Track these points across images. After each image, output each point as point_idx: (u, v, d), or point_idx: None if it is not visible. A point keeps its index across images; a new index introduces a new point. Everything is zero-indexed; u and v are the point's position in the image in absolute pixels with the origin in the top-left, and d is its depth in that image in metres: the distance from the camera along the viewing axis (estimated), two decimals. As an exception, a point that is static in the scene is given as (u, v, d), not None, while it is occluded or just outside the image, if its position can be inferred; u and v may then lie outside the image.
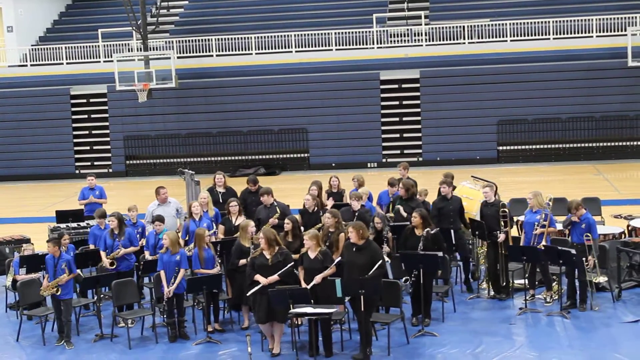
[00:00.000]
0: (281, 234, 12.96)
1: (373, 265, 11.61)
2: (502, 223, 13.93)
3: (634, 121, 31.36)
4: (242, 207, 14.95)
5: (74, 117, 34.68)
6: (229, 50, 34.01)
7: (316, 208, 14.61)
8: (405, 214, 14.30)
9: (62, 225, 17.41)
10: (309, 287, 11.80)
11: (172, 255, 12.93)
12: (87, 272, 15.06)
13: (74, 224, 17.48)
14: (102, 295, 14.01)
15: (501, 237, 13.89)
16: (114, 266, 14.00)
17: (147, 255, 14.21)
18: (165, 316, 13.11)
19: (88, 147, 34.93)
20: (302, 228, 13.57)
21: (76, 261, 14.35)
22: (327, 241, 12.94)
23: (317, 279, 11.89)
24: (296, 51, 33.54)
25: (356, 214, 14.11)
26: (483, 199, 14.64)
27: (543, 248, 13.55)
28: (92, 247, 14.86)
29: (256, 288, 11.93)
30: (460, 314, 13.70)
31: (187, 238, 14.42)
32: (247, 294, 12.17)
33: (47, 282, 12.93)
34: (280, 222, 13.94)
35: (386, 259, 12.89)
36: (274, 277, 11.90)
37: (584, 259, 13.32)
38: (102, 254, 14.24)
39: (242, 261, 12.78)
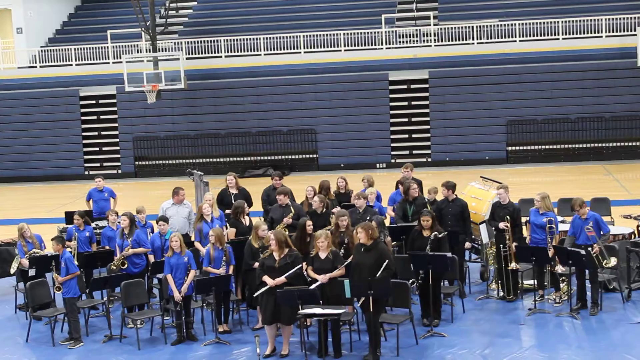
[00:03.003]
0: (292, 236, 12.94)
1: (381, 265, 11.60)
2: (507, 236, 13.90)
3: (644, 121, 31.34)
4: (265, 203, 15.50)
5: (83, 118, 34.74)
6: (237, 51, 34.03)
7: (325, 209, 14.62)
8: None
9: (71, 227, 17.43)
10: (314, 286, 11.80)
11: (181, 257, 12.97)
12: (96, 272, 15.08)
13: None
14: (111, 297, 14.04)
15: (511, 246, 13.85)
16: (125, 266, 14.05)
17: (152, 259, 14.22)
18: (174, 317, 13.13)
19: (97, 148, 35.00)
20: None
21: (86, 262, 14.49)
22: (343, 241, 12.89)
23: (324, 278, 11.90)
24: (305, 52, 33.55)
25: (367, 216, 14.04)
26: (492, 200, 14.61)
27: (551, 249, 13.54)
28: (107, 248, 15.00)
29: (263, 289, 11.95)
30: (470, 314, 13.68)
31: (200, 240, 14.48)
32: (254, 295, 12.20)
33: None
34: (294, 222, 14.01)
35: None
36: (281, 279, 11.90)
37: (590, 249, 13.25)
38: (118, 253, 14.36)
39: (257, 263, 12.76)
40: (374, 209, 14.76)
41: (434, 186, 15.54)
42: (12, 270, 15.38)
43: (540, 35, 32.33)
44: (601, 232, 13.48)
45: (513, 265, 13.84)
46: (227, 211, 15.39)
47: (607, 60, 31.51)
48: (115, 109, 34.45)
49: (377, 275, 11.52)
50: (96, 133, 34.97)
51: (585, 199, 13.95)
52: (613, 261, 13.31)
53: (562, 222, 15.76)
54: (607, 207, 17.84)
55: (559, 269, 13.65)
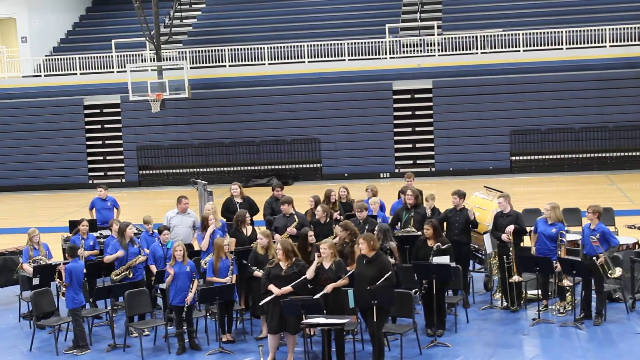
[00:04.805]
0: (296, 245, 12.95)
1: (382, 277, 11.57)
2: (509, 247, 13.88)
3: (648, 131, 31.32)
4: (269, 215, 15.45)
5: (87, 127, 34.75)
6: (241, 61, 34.07)
7: (328, 219, 14.62)
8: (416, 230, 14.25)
9: (76, 236, 17.42)
10: (318, 295, 11.79)
11: (183, 266, 12.99)
12: (99, 282, 15.09)
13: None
14: (114, 306, 14.04)
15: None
16: (131, 275, 14.06)
17: (154, 269, 14.17)
18: (175, 327, 13.13)
19: (101, 157, 35.01)
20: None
21: (90, 271, 14.49)
22: (342, 252, 12.88)
23: (328, 288, 11.90)
24: (309, 61, 33.58)
25: (367, 226, 14.01)
26: (496, 210, 14.59)
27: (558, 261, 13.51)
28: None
29: (269, 298, 11.94)
30: (473, 324, 13.67)
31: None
32: (260, 304, 12.20)
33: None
34: (297, 232, 14.01)
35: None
36: (287, 288, 11.90)
37: (594, 258, 13.19)
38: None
39: (257, 273, 12.78)
40: (378, 218, 14.75)
41: (431, 193, 15.49)
42: (15, 275, 15.42)
43: (544, 45, 32.32)
44: (610, 246, 13.34)
45: (515, 277, 13.81)
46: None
47: (611, 70, 31.48)
48: (119, 118, 34.47)
49: (377, 284, 11.48)
50: (100, 142, 34.99)
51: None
52: (618, 271, 13.26)
53: (567, 232, 15.72)
54: (611, 217, 17.78)
55: (566, 282, 13.61)
